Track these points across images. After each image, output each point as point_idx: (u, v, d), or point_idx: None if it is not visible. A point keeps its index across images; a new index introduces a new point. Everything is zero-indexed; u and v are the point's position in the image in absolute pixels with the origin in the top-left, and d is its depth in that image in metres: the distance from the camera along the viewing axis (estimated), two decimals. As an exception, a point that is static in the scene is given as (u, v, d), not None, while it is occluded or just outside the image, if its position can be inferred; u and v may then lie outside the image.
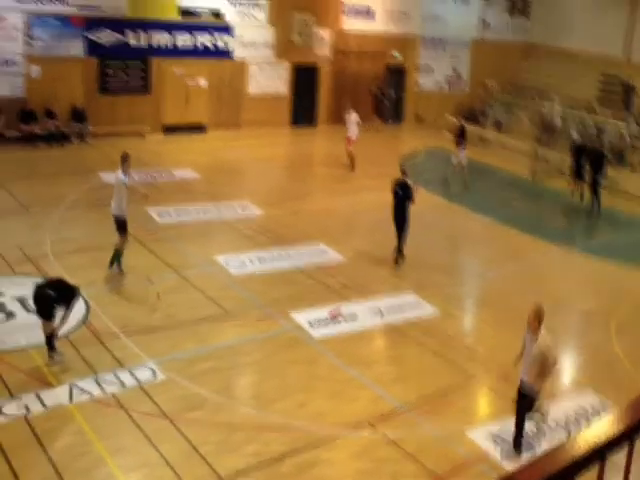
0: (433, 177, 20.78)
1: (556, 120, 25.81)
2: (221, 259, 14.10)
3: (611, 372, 11.09)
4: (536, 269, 15.30)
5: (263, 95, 25.98)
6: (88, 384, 9.40)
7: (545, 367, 8.38)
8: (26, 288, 10.76)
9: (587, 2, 28.39)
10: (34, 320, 10.09)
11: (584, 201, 20.01)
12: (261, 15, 25.69)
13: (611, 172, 20.85)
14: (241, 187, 19.83)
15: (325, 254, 14.91)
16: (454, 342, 11.74)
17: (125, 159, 12.82)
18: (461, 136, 21.07)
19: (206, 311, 11.89)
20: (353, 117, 21.73)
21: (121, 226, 12.83)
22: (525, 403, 8.57)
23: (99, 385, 9.41)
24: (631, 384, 10.33)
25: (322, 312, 12.11)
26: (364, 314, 12.30)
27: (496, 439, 8.95)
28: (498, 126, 27.34)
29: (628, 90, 26.30)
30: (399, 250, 14.58)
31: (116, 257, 12.81)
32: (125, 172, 12.79)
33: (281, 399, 9.59)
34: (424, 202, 16.23)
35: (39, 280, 10.25)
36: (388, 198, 14.63)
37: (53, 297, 9.81)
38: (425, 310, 12.68)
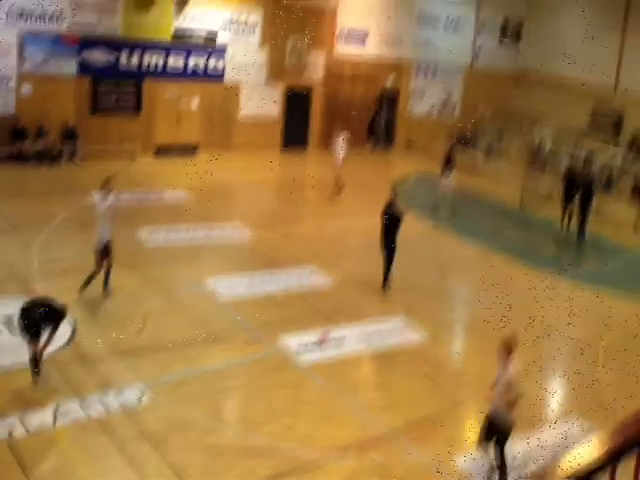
0: (423, 202, 20.84)
1: (547, 147, 26.04)
2: (211, 281, 14.06)
3: (598, 399, 11.08)
4: (524, 296, 15.30)
5: (255, 118, 26.06)
6: (73, 406, 9.30)
7: (511, 397, 8.35)
8: (12, 307, 10.67)
9: (579, 31, 28.68)
10: (19, 340, 10.00)
11: (570, 228, 20.14)
12: (254, 38, 25.84)
13: (599, 199, 21.01)
14: (232, 209, 19.82)
15: (315, 278, 14.89)
16: (442, 368, 11.72)
17: (108, 184, 12.83)
18: (448, 161, 21.21)
19: (195, 333, 11.81)
20: (341, 140, 21.80)
21: (110, 250, 12.81)
22: (499, 436, 8.53)
23: (84, 407, 9.31)
24: (618, 411, 10.33)
25: (311, 336, 12.05)
26: (353, 338, 12.26)
27: (483, 465, 8.90)
28: (489, 152, 27.49)
29: (618, 118, 26.57)
30: (387, 274, 14.61)
31: (90, 279, 12.72)
32: (109, 196, 12.79)
33: (268, 423, 9.53)
34: (414, 227, 16.31)
35: (26, 299, 10.16)
36: (378, 222, 14.65)
37: (40, 317, 9.73)
38: (413, 335, 12.66)
